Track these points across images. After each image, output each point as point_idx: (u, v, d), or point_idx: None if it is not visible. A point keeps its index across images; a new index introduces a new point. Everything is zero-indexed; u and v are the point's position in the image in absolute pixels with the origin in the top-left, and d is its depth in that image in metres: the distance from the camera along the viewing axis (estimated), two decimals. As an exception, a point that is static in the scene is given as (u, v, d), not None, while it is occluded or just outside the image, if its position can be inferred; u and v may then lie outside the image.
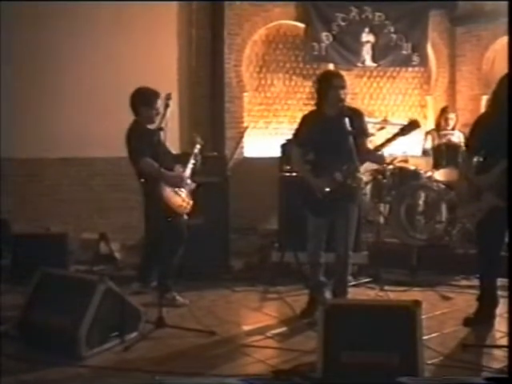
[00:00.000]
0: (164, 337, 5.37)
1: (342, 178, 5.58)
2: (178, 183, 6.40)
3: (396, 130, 5.61)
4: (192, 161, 6.66)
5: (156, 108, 6.36)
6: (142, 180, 6.33)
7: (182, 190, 6.47)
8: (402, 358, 4.25)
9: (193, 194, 6.61)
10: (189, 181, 6.58)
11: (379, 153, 5.79)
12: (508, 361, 4.58)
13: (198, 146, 6.80)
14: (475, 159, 5.75)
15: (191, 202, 6.54)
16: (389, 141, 5.58)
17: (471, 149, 5.75)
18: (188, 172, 6.59)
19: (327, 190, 5.64)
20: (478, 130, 5.67)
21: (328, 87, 5.76)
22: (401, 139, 5.57)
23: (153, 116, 6.37)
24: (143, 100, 6.38)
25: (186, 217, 6.52)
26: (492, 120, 5.47)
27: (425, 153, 9.09)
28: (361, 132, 5.70)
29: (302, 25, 9.89)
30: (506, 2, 8.29)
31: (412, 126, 5.51)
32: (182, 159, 6.67)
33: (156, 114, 6.34)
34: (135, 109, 6.41)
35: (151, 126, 6.38)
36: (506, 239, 5.64)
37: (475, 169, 5.70)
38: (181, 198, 6.42)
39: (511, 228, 5.38)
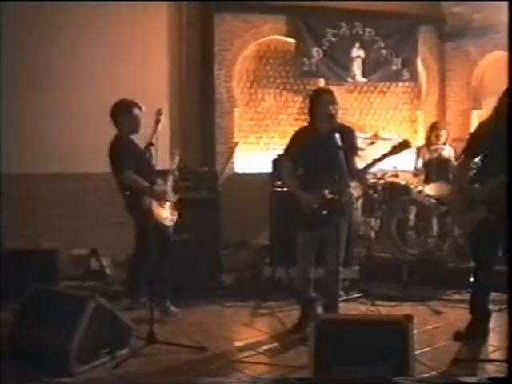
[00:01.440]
0: (155, 353, 5.35)
1: (331, 194, 5.59)
2: (161, 196, 6.39)
3: (386, 144, 5.63)
4: (170, 176, 6.63)
5: (134, 115, 6.40)
6: (127, 193, 6.33)
7: (167, 202, 6.49)
8: (394, 373, 4.24)
9: (176, 207, 6.61)
10: (171, 194, 6.59)
11: (363, 174, 5.87)
12: (508, 360, 4.56)
13: (177, 158, 6.76)
14: (472, 166, 5.79)
15: (176, 214, 6.56)
16: (379, 160, 5.60)
17: (470, 152, 5.75)
18: (169, 185, 6.60)
19: (315, 206, 5.65)
20: (480, 135, 5.69)
21: (318, 103, 5.80)
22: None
23: (133, 125, 6.40)
24: (120, 110, 6.41)
25: (171, 230, 6.51)
26: (495, 127, 5.46)
27: (416, 173, 9.04)
28: (351, 149, 5.72)
29: (292, 40, 9.91)
30: (493, 18, 8.43)
31: (403, 146, 5.53)
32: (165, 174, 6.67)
33: (136, 123, 6.40)
34: (115, 122, 6.44)
35: (134, 137, 6.42)
36: (500, 253, 5.64)
37: (470, 178, 5.73)
38: (166, 211, 6.45)
39: (511, 240, 5.36)
